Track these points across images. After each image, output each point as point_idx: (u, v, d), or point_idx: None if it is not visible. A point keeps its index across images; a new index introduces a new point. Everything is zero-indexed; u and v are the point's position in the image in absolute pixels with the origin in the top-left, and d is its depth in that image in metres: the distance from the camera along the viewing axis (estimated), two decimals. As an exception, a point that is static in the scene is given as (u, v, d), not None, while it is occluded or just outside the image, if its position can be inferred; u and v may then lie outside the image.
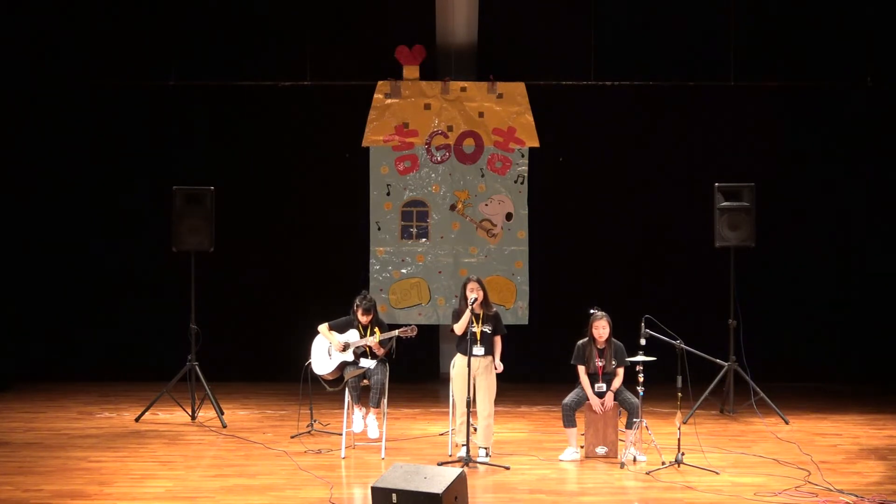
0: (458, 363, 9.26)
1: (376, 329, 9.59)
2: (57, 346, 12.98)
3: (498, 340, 9.27)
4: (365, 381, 9.58)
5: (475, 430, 9.42)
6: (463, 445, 8.98)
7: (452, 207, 13.14)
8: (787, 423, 10.69)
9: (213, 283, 12.25)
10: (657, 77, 12.88)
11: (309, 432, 10.07)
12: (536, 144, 13.04)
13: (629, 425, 9.13)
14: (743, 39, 12.76)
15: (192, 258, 10.90)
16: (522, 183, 13.08)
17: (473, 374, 9.11)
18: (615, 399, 9.25)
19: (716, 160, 12.64)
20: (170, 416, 10.95)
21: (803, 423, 10.76)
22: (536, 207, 13.07)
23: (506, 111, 13.02)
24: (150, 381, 11.73)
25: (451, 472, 7.37)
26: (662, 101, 12.96)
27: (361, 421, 9.57)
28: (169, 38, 12.80)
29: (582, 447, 9.29)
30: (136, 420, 10.75)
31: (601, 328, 9.25)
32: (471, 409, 8.98)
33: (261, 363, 12.99)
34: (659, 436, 9.33)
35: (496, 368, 9.23)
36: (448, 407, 9.59)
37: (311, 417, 10.22)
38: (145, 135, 12.98)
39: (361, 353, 9.57)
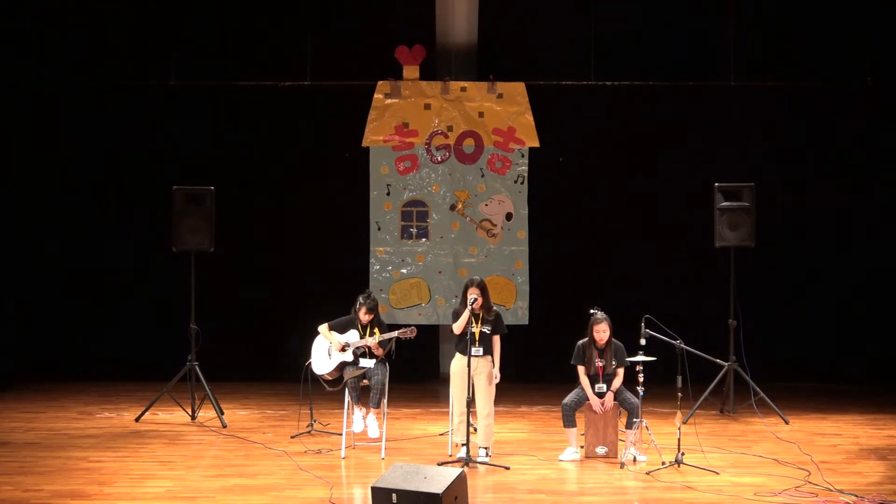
0: (457, 363, 9.26)
1: (376, 330, 9.59)
2: (57, 346, 12.98)
3: (497, 340, 9.25)
4: (365, 381, 9.59)
5: (475, 430, 9.42)
6: (463, 445, 8.98)
7: (452, 207, 13.14)
8: (787, 423, 10.69)
9: (213, 283, 12.25)
10: (657, 77, 12.88)
11: (309, 432, 10.07)
12: (536, 144, 13.04)
13: (629, 425, 9.13)
14: (743, 39, 12.76)
15: (192, 258, 10.90)
16: (522, 183, 13.08)
17: (472, 374, 9.11)
18: (615, 399, 9.25)
19: (716, 160, 12.64)
20: (170, 416, 10.95)
21: (803, 423, 10.76)
22: (536, 207, 13.08)
23: (506, 111, 13.03)
24: (150, 381, 11.73)
25: (451, 472, 7.37)
26: (662, 101, 12.97)
27: (361, 421, 9.58)
28: (169, 38, 12.80)
29: (582, 447, 9.29)
30: (136, 420, 10.75)
31: (601, 332, 9.25)
32: (470, 409, 8.98)
33: (261, 363, 13.00)
34: (659, 436, 9.33)
35: (495, 378, 9.22)
36: (448, 407, 9.59)
37: (311, 417, 10.22)
38: (145, 135, 12.98)
39: (361, 353, 9.58)
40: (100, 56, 12.90)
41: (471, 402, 8.97)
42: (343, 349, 9.56)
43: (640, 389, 8.88)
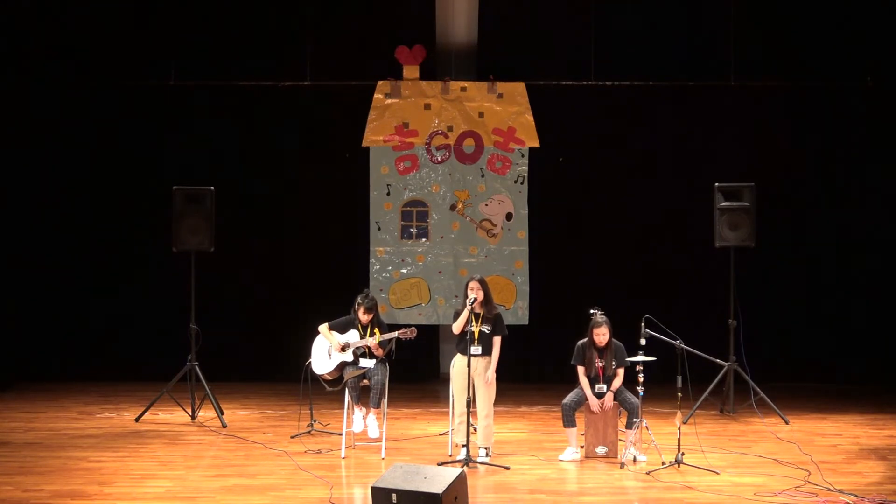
0: (457, 363, 9.27)
1: (376, 330, 9.59)
2: (57, 346, 12.98)
3: (497, 342, 9.25)
4: (365, 381, 9.59)
5: (475, 430, 9.42)
6: (463, 446, 8.98)
7: (452, 207, 13.14)
8: (787, 423, 10.69)
9: (213, 283, 12.24)
10: (657, 77, 12.88)
11: (309, 432, 10.08)
12: (536, 144, 13.04)
13: (629, 425, 9.13)
14: (743, 39, 12.75)
15: (192, 258, 10.90)
16: (522, 183, 13.08)
17: (472, 374, 9.11)
18: (615, 399, 9.25)
19: (716, 160, 12.64)
20: (170, 416, 10.95)
21: (803, 423, 10.76)
22: (536, 207, 13.07)
23: (506, 111, 13.03)
24: (150, 381, 11.72)
25: (451, 472, 7.37)
26: (662, 102, 12.96)
27: (361, 421, 9.58)
28: (169, 38, 12.79)
29: (582, 447, 9.29)
30: (136, 420, 10.75)
31: (601, 335, 9.25)
32: (471, 409, 8.98)
33: (261, 363, 12.99)
34: (659, 436, 9.33)
35: (488, 380, 9.18)
36: (448, 407, 9.59)
37: (311, 417, 10.22)
38: (145, 135, 12.98)
39: (361, 353, 9.58)
40: (100, 56, 12.89)
41: (471, 402, 8.97)
42: (343, 349, 9.56)
43: (640, 389, 8.88)
